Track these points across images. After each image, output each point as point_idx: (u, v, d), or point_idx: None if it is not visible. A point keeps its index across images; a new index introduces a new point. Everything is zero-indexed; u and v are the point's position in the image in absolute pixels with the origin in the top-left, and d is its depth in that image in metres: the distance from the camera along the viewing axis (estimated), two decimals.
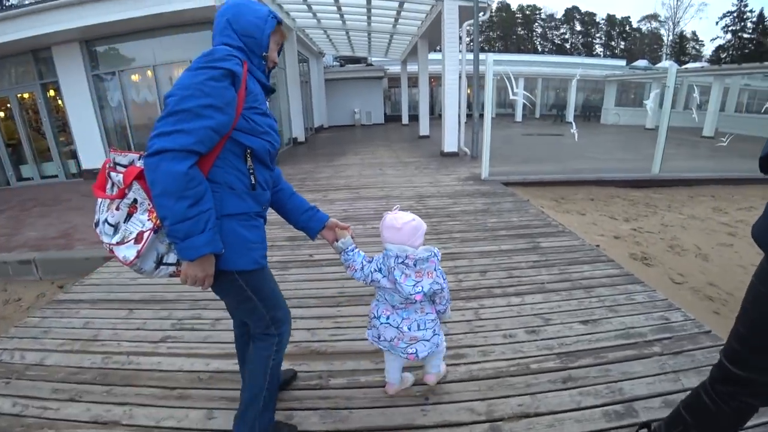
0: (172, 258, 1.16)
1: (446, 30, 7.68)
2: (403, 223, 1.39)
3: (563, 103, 19.70)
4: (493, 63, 5.83)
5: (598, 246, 3.62)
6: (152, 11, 6.37)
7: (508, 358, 1.93)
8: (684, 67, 16.78)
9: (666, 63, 20.54)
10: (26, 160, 8.74)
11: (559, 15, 48.16)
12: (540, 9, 47.94)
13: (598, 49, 46.65)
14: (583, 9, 47.14)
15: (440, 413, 1.61)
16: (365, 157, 8.89)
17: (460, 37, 8.12)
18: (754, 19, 35.93)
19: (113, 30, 7.15)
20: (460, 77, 8.19)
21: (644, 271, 3.51)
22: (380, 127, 17.62)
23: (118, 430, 1.60)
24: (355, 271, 1.47)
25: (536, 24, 48.32)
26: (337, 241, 1.49)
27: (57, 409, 1.71)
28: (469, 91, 11.38)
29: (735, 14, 36.87)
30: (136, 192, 1.10)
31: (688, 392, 1.25)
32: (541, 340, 2.07)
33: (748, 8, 36.12)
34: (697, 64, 22.12)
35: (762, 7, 35.07)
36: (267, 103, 1.29)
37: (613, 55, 40.98)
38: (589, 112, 19.68)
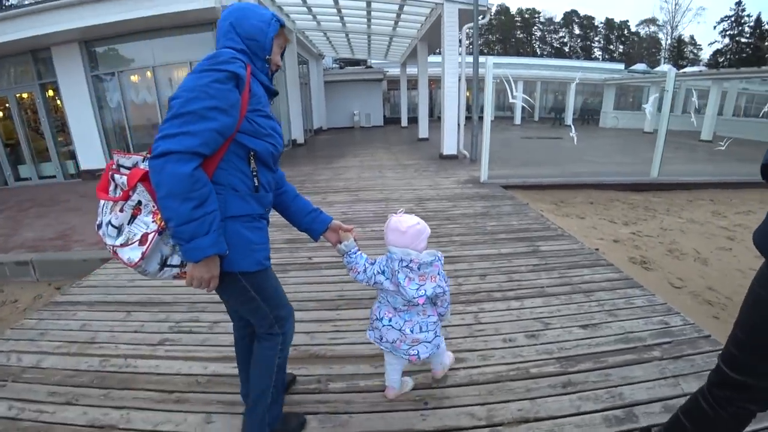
0: (176, 260, 1.17)
1: (446, 33, 7.70)
2: (407, 227, 1.40)
3: (562, 107, 19.77)
4: (492, 66, 5.85)
5: (597, 250, 3.62)
6: (152, 12, 6.38)
7: (507, 362, 1.93)
8: (682, 71, 16.87)
9: (664, 67, 20.64)
10: (24, 160, 8.72)
11: (558, 18, 48.44)
12: (539, 12, 48.19)
13: (597, 53, 46.90)
14: (581, 12, 47.44)
15: (440, 418, 1.60)
16: (364, 160, 8.89)
17: (460, 40, 8.15)
18: (752, 24, 36.22)
19: (113, 31, 7.15)
20: (459, 80, 8.20)
21: (643, 275, 3.51)
22: (379, 130, 17.64)
23: None
24: (358, 273, 1.47)
25: (535, 27, 48.54)
26: (340, 243, 1.49)
27: (53, 413, 1.70)
28: (468, 94, 11.42)
29: (732, 19, 37.15)
30: (141, 194, 1.10)
31: (688, 397, 1.24)
32: (541, 344, 2.06)
33: (745, 13, 36.43)
34: (695, 68, 22.21)
35: (759, 12, 35.42)
36: (270, 105, 1.30)
37: (612, 59, 41.21)
38: (588, 116, 19.74)
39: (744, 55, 35.27)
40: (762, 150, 0.96)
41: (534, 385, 1.76)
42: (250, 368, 1.43)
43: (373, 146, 11.51)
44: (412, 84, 16.75)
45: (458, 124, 8.48)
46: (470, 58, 7.92)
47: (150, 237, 1.09)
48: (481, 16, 7.60)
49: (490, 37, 45.93)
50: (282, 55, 1.34)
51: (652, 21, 43.63)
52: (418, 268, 1.39)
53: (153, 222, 1.10)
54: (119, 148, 8.37)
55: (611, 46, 47.03)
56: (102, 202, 1.17)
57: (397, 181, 6.46)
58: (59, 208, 6.08)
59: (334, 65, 20.14)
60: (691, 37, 43.62)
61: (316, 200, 5.28)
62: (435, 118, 16.70)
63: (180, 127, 1.03)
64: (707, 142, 12.26)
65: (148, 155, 1.09)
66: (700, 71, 16.77)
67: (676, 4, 40.11)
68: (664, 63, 34.44)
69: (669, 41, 42.03)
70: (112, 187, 1.15)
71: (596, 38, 47.81)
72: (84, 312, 2.62)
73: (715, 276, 3.60)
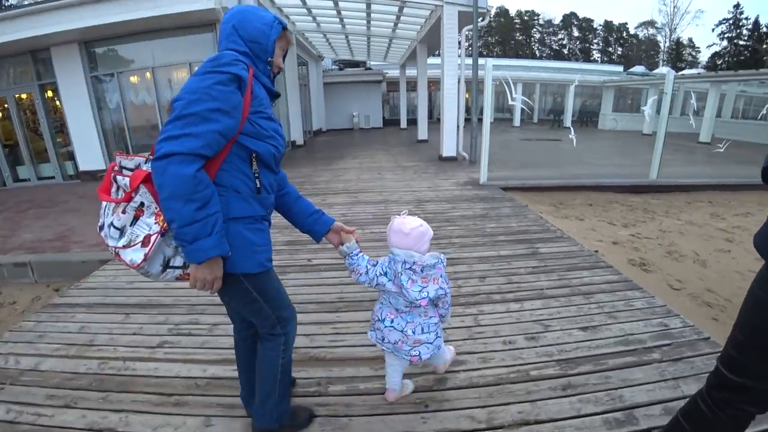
0: (178, 261, 1.17)
1: (445, 35, 7.72)
2: (411, 229, 1.41)
3: (561, 109, 19.81)
4: (492, 68, 5.86)
5: (596, 252, 3.62)
6: (152, 13, 6.37)
7: (507, 364, 1.92)
8: (681, 73, 16.92)
9: (663, 69, 20.71)
10: (23, 161, 8.69)
11: (557, 21, 48.56)
12: (538, 15, 48.32)
13: (596, 55, 47.01)
14: (580, 15, 47.56)
15: (440, 421, 1.60)
16: (364, 161, 8.90)
17: (459, 42, 8.16)
18: (750, 27, 36.36)
19: (112, 32, 7.14)
20: (459, 82, 8.22)
21: (643, 277, 3.51)
22: (379, 131, 17.66)
23: None
24: (360, 275, 1.48)
25: (534, 29, 48.67)
26: (342, 245, 1.50)
27: (51, 416, 1.69)
28: (467, 96, 11.44)
29: (731, 21, 37.29)
30: (143, 195, 1.11)
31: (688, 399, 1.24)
32: (541, 346, 2.06)
33: (743, 16, 36.58)
34: (694, 71, 22.36)
35: (757, 15, 35.56)
36: (272, 107, 1.30)
37: (611, 61, 41.31)
38: (587, 118, 19.79)
39: (742, 57, 35.41)
40: (760, 152, 0.96)
41: (534, 388, 1.76)
42: (256, 368, 1.45)
43: (373, 148, 11.52)
44: (412, 86, 16.74)
45: (457, 126, 8.50)
46: (469, 60, 7.94)
47: (153, 238, 1.10)
48: (481, 18, 7.62)
49: (489, 39, 46.04)
50: (284, 57, 1.35)
51: (651, 23, 43.81)
52: (422, 271, 1.40)
53: (156, 223, 1.11)
54: (118, 149, 8.36)
55: (610, 49, 47.16)
56: (104, 203, 1.17)
57: (396, 182, 6.46)
58: (58, 209, 6.07)
59: (333, 67, 20.16)
60: (690, 40, 43.90)
61: (316, 202, 5.23)
62: (434, 119, 16.72)
63: (183, 128, 1.04)
64: (706, 144, 12.30)
65: (151, 157, 1.09)
66: (699, 74, 16.88)
67: (674, 7, 40.34)
68: (663, 65, 34.63)
69: (667, 44, 42.17)
70: (114, 189, 1.15)
71: (595, 40, 47.96)
72: (83, 314, 2.61)
73: (713, 278, 3.60)
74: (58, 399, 1.79)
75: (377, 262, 1.49)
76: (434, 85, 17.08)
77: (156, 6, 6.33)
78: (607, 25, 46.86)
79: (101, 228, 1.17)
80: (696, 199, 6.16)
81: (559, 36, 48.60)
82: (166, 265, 1.16)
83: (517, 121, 19.62)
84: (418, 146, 11.35)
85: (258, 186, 1.23)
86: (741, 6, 36.48)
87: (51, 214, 5.76)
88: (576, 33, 48.11)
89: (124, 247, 1.11)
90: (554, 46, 48.13)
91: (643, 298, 2.53)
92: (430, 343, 1.53)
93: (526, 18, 47.99)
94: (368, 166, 8.24)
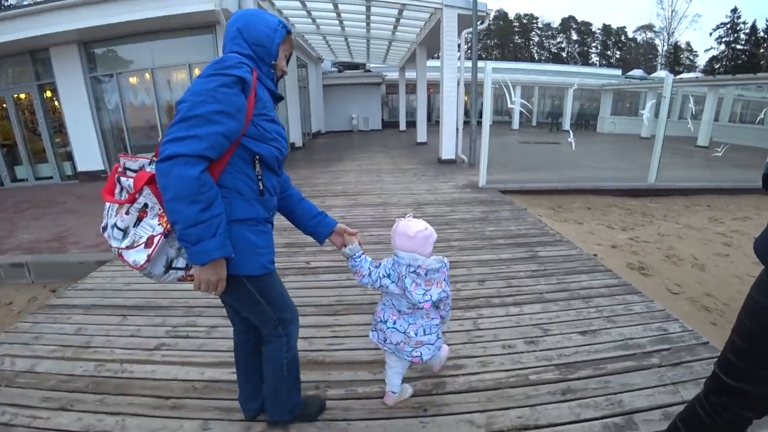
0: (181, 262, 1.18)
1: (445, 38, 7.73)
2: (415, 232, 1.42)
3: (559, 112, 19.87)
4: (491, 71, 5.87)
5: (595, 255, 3.62)
6: (152, 14, 6.38)
7: (507, 369, 1.92)
8: (678, 77, 16.99)
9: (661, 73, 20.81)
10: (21, 161, 8.67)
11: (556, 24, 48.87)
12: (537, 18, 48.60)
13: (594, 58, 47.26)
14: (579, 18, 47.89)
15: (439, 425, 1.59)
16: (363, 164, 8.90)
17: (459, 45, 8.18)
18: (747, 31, 36.65)
19: (112, 32, 7.15)
20: (458, 84, 8.23)
21: (641, 281, 3.51)
22: (378, 133, 17.68)
23: None
24: (363, 276, 1.48)
25: (533, 33, 48.92)
26: (344, 246, 1.51)
27: (47, 419, 1.67)
28: (466, 99, 11.46)
29: (728, 26, 37.56)
30: (147, 196, 1.11)
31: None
32: (540, 351, 2.05)
33: (741, 20, 36.86)
34: (692, 75, 22.44)
35: (755, 19, 35.91)
36: (275, 110, 1.31)
37: (609, 65, 41.49)
38: (585, 121, 19.85)
39: (739, 61, 35.65)
40: (757, 156, 0.97)
41: (533, 392, 1.75)
42: (263, 367, 1.46)
43: (372, 150, 11.52)
44: (411, 88, 16.76)
45: (457, 129, 8.50)
46: (469, 63, 7.95)
47: (156, 239, 1.10)
48: (480, 22, 7.65)
49: (488, 42, 46.25)
50: (288, 60, 1.36)
51: (649, 27, 44.06)
52: (425, 274, 1.41)
53: (159, 225, 1.11)
54: (117, 150, 8.36)
55: (608, 52, 47.42)
56: (108, 204, 1.18)
57: (395, 185, 6.45)
58: (56, 210, 6.04)
59: (332, 69, 20.19)
60: (688, 44, 44.20)
61: (315, 204, 5.26)
62: (433, 122, 16.75)
63: (187, 130, 1.04)
64: (704, 147, 12.34)
65: (155, 158, 1.09)
66: (697, 77, 16.95)
67: (672, 11, 40.53)
68: (661, 69, 34.82)
69: (665, 47, 42.43)
70: (117, 190, 1.16)
71: (593, 44, 48.24)
72: (79, 315, 2.59)
73: (712, 282, 3.61)
74: (54, 401, 1.77)
75: (380, 264, 1.50)
76: (433, 87, 17.12)
77: (155, 7, 6.34)
78: (606, 28, 47.15)
79: (104, 229, 1.17)
80: (694, 203, 6.17)
81: (558, 39, 48.86)
82: (169, 267, 1.16)
83: (515, 124, 19.67)
84: (417, 149, 11.36)
85: (261, 188, 1.23)
86: (738, 10, 36.83)
87: (48, 215, 5.74)
88: (575, 36, 48.38)
89: (127, 248, 1.11)
90: (553, 50, 48.37)
91: (642, 302, 2.53)
92: (432, 344, 1.54)
93: (525, 21, 48.23)
94: (367, 168, 8.24)
